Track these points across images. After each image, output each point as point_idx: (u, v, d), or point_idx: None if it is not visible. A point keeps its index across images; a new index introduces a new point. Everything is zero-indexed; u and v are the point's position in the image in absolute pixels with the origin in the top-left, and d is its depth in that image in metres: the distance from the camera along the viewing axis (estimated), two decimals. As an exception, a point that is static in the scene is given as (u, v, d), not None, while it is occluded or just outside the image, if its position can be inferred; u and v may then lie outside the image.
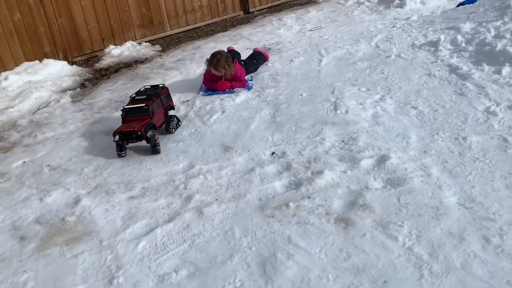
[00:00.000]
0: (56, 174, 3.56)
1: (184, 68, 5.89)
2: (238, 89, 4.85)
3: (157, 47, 7.17)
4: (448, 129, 3.57)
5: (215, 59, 4.70)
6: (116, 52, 6.77)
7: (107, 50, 6.90)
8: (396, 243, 2.46)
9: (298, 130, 3.83)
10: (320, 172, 3.14)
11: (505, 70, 4.36)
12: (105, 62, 6.52)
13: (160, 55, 6.71)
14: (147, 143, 3.65)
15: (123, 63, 6.47)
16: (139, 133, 3.55)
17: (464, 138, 3.41)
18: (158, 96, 3.94)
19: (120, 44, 7.05)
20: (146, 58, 6.66)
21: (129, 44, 7.13)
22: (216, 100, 4.70)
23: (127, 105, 3.79)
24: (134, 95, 3.96)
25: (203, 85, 5.00)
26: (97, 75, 6.05)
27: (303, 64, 5.54)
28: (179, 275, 2.40)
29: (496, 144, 3.29)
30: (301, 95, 4.58)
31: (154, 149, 3.62)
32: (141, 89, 4.12)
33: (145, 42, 7.33)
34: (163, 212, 2.95)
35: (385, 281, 2.22)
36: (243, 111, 4.38)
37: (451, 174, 3.01)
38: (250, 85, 4.97)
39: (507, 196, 2.73)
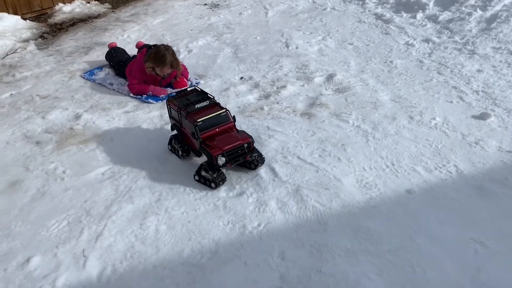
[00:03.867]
0: (48, 101, 3.94)
1: (140, 20, 6.29)
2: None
3: (107, 5, 7.41)
4: (378, 57, 4.49)
5: (169, 54, 3.74)
6: (67, 9, 6.94)
7: (57, 7, 7.02)
8: (348, 124, 3.30)
9: (259, 62, 4.54)
10: (283, 87, 3.89)
11: (419, 15, 5.39)
12: (58, 18, 6.69)
13: (113, 11, 7.00)
14: (245, 159, 2.72)
15: (77, 19, 6.68)
16: (246, 145, 2.68)
17: (391, 62, 4.34)
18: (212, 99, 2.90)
19: (70, 2, 7.20)
20: (99, 14, 6.92)
21: (78, 2, 7.29)
22: (180, 43, 5.23)
23: (187, 117, 2.74)
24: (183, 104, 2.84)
25: (139, 92, 3.89)
26: (54, 29, 6.24)
27: (251, 16, 6.21)
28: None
29: (414, 64, 4.26)
30: (256, 38, 5.27)
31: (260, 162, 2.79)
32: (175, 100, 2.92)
33: (94, 0, 7.53)
34: (159, 119, 3.52)
35: (342, 145, 3.04)
36: (207, 50, 4.98)
37: (383, 83, 3.92)
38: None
39: (423, 94, 3.68)
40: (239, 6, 6.75)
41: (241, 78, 4.19)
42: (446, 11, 5.30)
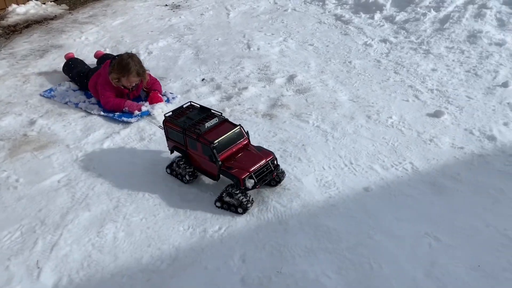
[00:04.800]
0: (0, 106, 3.79)
1: (98, 22, 6.14)
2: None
3: (64, 6, 7.19)
4: (337, 57, 4.56)
5: (134, 61, 3.50)
6: (21, 11, 6.68)
7: (10, 8, 6.76)
8: (308, 124, 3.33)
9: (221, 63, 4.52)
10: (245, 88, 3.90)
11: (377, 16, 5.51)
12: (11, 19, 6.43)
13: (70, 12, 6.80)
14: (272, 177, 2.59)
15: (31, 20, 6.45)
16: (275, 162, 2.53)
17: (350, 62, 4.42)
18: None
19: (24, 3, 6.94)
20: (55, 15, 6.70)
21: (32, 3, 7.04)
22: (139, 45, 5.14)
23: (199, 138, 2.48)
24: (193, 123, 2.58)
25: (115, 107, 3.54)
26: (7, 31, 6.00)
27: (213, 17, 6.18)
28: (145, 159, 2.99)
29: (372, 64, 4.35)
30: (217, 39, 5.25)
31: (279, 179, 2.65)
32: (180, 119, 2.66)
33: (50, 1, 7.29)
34: (118, 123, 3.45)
35: (303, 145, 3.08)
36: (168, 52, 4.92)
37: (342, 83, 3.99)
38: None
39: (380, 93, 3.77)
40: (200, 7, 6.70)
41: (203, 79, 4.16)
42: (402, 12, 5.45)
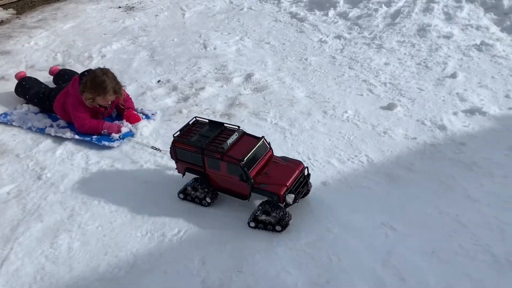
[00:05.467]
0: None
1: (48, 26, 5.92)
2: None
3: (11, 10, 6.90)
4: (294, 55, 4.60)
5: (109, 78, 3.19)
6: (-36, 16, 6.36)
7: (-49, 14, 6.41)
8: (266, 122, 3.34)
9: (177, 64, 4.46)
10: (202, 88, 3.86)
11: (331, 13, 5.60)
12: (-47, 25, 6.10)
13: (18, 17, 6.52)
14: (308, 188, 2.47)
15: (-25, 26, 6.15)
16: (306, 171, 2.44)
17: (306, 59, 4.47)
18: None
19: (-33, 8, 6.60)
20: (2, 20, 6.41)
21: (-24, 8, 6.71)
22: (92, 48, 5.00)
23: (224, 157, 2.29)
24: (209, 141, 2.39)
25: (93, 129, 3.22)
26: (-51, 37, 5.68)
27: (168, 18, 6.09)
28: (99, 165, 2.91)
29: (327, 60, 4.42)
30: (173, 40, 5.18)
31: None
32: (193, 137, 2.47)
33: (-4, 6, 6.97)
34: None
35: (262, 143, 3.07)
36: (122, 55, 4.81)
37: (299, 80, 4.02)
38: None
39: (336, 89, 3.83)
40: (155, 8, 6.59)
41: (158, 81, 4.09)
42: (355, 8, 5.56)
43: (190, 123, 2.56)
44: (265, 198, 2.28)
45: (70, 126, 3.33)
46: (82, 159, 3.00)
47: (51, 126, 3.35)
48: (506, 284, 1.97)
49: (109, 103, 3.29)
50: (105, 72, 3.22)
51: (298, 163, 2.40)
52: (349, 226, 2.30)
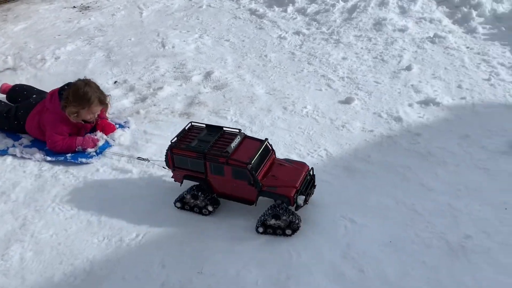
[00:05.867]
0: None
1: (-2, 28, 5.68)
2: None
3: (-43, 12, 6.56)
4: (254, 52, 4.59)
5: (92, 88, 3.00)
6: None
7: None
8: (226, 120, 3.32)
9: (134, 64, 4.37)
10: (160, 88, 3.80)
11: (289, 9, 5.62)
12: None
13: (-35, 19, 6.21)
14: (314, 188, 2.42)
15: None
16: (312, 172, 2.39)
17: (266, 56, 4.47)
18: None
19: None
20: None
21: None
22: (45, 50, 4.82)
23: (229, 161, 2.21)
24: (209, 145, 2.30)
25: (66, 149, 2.98)
26: None
27: (125, 17, 5.95)
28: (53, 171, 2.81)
29: (287, 56, 4.43)
30: (130, 39, 5.07)
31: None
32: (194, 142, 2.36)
33: None
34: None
35: (222, 141, 3.05)
36: (77, 56, 4.66)
37: (259, 77, 4.02)
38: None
39: (295, 84, 3.85)
40: (111, 7, 6.42)
41: (115, 82, 3.99)
42: (313, 4, 5.61)
43: (186, 128, 2.45)
44: (271, 202, 2.21)
45: (37, 144, 3.06)
46: (35, 166, 2.89)
47: (13, 146, 3.07)
48: (459, 268, 2.03)
49: (96, 115, 3.06)
50: (86, 82, 3.01)
51: (302, 164, 2.36)
52: (308, 220, 2.31)
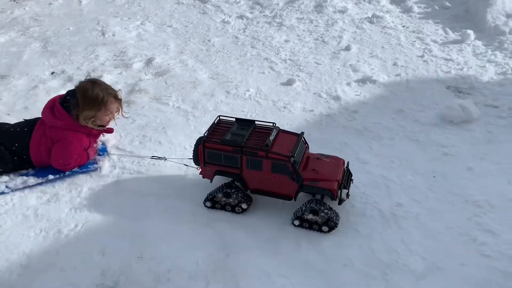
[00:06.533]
0: None
1: None
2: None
3: None
4: (197, 37, 4.56)
5: (101, 86, 2.68)
6: None
7: None
8: (168, 106, 3.30)
9: (72, 54, 4.22)
10: (100, 77, 3.67)
11: (233, -7, 5.60)
12: None
13: None
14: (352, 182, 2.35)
15: None
16: (348, 166, 2.32)
17: (209, 40, 4.45)
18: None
19: None
20: None
21: None
22: (-24, 43, 4.56)
23: (269, 155, 2.11)
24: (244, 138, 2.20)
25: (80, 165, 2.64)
26: None
27: (63, 6, 5.71)
28: None
29: (230, 41, 4.43)
30: (68, 29, 4.88)
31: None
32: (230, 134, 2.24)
33: None
34: None
35: (163, 128, 3.04)
36: (11, 47, 4.44)
37: (202, 62, 4.01)
38: None
39: (239, 68, 3.87)
40: (48, -4, 6.16)
41: (52, 73, 3.85)
42: (256, -12, 5.61)
43: (216, 122, 2.34)
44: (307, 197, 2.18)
45: (32, 168, 2.64)
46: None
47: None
48: (390, 234, 2.14)
49: (113, 115, 2.74)
50: (93, 81, 2.69)
51: (337, 158, 2.30)
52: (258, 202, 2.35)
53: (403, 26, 4.53)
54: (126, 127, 3.03)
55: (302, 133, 2.27)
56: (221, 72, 3.81)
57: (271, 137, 2.17)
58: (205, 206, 2.30)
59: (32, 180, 2.50)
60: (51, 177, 2.53)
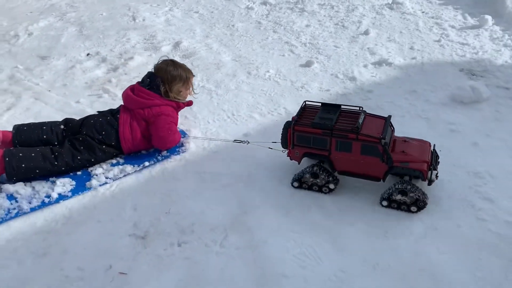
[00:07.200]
0: None
1: (-31, 7, 5.72)
2: None
3: None
4: (222, 22, 4.79)
5: (177, 63, 2.84)
6: None
7: None
8: (194, 85, 3.53)
9: (106, 37, 4.53)
10: (131, 58, 3.98)
11: (257, -20, 5.78)
12: None
13: None
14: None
15: None
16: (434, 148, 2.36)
17: (233, 25, 4.67)
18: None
19: None
20: None
21: None
22: (18, 27, 4.91)
23: (360, 137, 2.18)
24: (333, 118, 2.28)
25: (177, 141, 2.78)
26: None
27: (97, -7, 6.04)
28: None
29: (253, 26, 4.65)
30: (102, 14, 5.20)
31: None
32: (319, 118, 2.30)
33: None
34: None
35: (189, 104, 3.28)
36: (50, 31, 4.79)
37: (226, 45, 4.24)
38: None
39: (260, 51, 4.08)
40: (82, -17, 6.49)
41: (88, 54, 4.16)
42: (280, -25, 5.78)
43: (302, 107, 2.43)
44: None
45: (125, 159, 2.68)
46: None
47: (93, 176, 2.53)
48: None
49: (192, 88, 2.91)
50: (171, 60, 2.82)
51: (423, 140, 2.35)
52: (262, 165, 2.58)
53: (423, 12, 4.63)
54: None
55: (389, 116, 2.32)
56: (244, 54, 4.03)
57: (360, 120, 2.23)
58: (293, 186, 2.40)
59: (129, 169, 2.57)
60: (146, 163, 2.62)
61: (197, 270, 1.97)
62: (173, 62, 2.81)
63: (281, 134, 2.40)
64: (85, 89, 3.55)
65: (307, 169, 2.32)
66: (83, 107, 3.28)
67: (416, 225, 2.17)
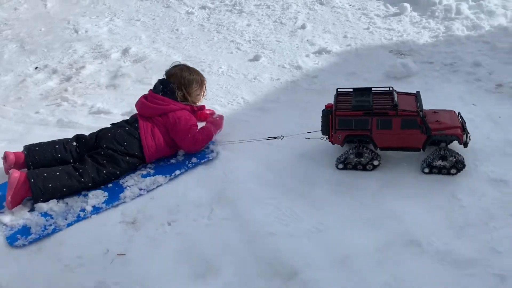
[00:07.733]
0: None
1: None
2: None
3: None
4: (165, 27, 4.96)
5: (189, 67, 3.02)
6: None
7: None
8: (151, 86, 3.68)
9: (51, 50, 4.53)
10: (83, 67, 4.05)
11: (192, -13, 6.01)
12: None
13: None
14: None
15: None
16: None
17: (177, 30, 4.86)
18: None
19: None
20: None
21: None
22: (-48, 48, 4.76)
23: (399, 113, 2.36)
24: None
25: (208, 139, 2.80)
26: None
27: (29, 10, 5.95)
28: None
29: (197, 28, 4.87)
30: (40, 29, 5.16)
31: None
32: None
33: None
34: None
35: (150, 103, 3.43)
36: (-11, 49, 4.69)
37: (174, 48, 4.42)
38: None
39: (209, 51, 4.32)
40: (11, 2, 6.33)
41: (36, 68, 4.15)
42: (214, -19, 6.04)
43: (336, 94, 2.57)
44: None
45: (155, 167, 2.68)
46: None
47: (127, 187, 2.51)
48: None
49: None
50: (183, 65, 2.95)
51: (450, 110, 2.55)
52: (235, 149, 2.80)
53: (350, 5, 5.09)
54: (117, 105, 3.42)
55: (418, 92, 2.51)
56: (193, 55, 4.24)
57: (395, 99, 2.41)
58: (337, 168, 2.53)
59: (161, 179, 2.54)
60: (177, 172, 2.59)
61: (190, 241, 2.16)
62: (187, 67, 2.91)
63: (321, 121, 2.57)
64: (42, 100, 3.57)
65: (351, 150, 2.46)
66: (44, 116, 3.33)
67: (371, 182, 2.48)
